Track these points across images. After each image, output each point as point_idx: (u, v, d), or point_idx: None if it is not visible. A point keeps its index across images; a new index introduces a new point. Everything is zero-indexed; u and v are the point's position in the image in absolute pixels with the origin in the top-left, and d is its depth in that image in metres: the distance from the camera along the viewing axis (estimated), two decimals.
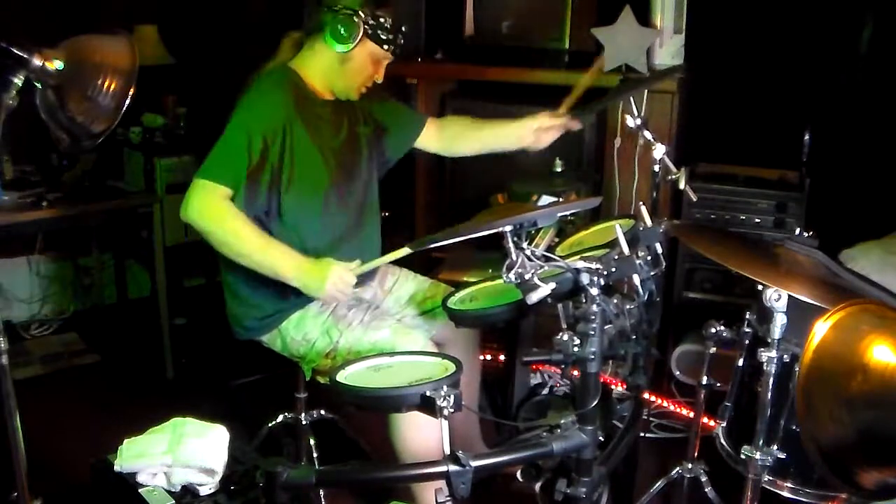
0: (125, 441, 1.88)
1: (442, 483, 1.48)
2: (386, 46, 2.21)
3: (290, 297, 2.21)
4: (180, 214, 2.06)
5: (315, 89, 2.26)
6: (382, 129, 2.47)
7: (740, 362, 1.96)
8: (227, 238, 2.07)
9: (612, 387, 2.11)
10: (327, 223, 2.24)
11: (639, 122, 2.16)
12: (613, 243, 1.70)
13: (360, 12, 2.15)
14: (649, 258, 1.75)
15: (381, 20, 2.18)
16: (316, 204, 2.22)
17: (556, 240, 2.30)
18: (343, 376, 1.73)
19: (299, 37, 2.30)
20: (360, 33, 2.16)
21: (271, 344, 2.31)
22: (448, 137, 2.57)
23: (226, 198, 2.06)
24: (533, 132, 2.46)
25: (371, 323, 2.19)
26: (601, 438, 1.66)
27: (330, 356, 2.18)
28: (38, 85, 1.66)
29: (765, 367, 1.68)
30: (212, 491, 1.83)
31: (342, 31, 2.15)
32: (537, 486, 1.74)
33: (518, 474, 1.88)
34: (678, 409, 3.06)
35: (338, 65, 2.22)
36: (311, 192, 2.21)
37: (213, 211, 2.05)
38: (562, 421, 1.63)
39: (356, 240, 2.30)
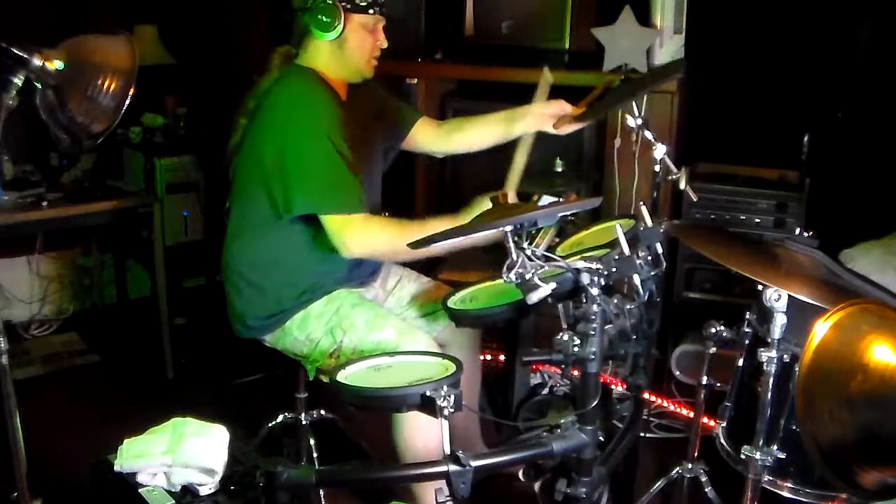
0: (125, 441, 1.89)
1: (442, 483, 1.48)
2: (371, 10, 2.20)
3: (293, 297, 2.21)
4: (344, 254, 2.10)
5: (334, 87, 2.24)
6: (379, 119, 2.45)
7: (740, 362, 1.96)
8: (400, 251, 1.98)
9: (612, 387, 2.11)
10: None
11: (639, 122, 2.16)
12: (614, 243, 1.70)
13: None
14: (649, 258, 1.75)
15: None
16: None
17: (557, 240, 2.29)
18: (343, 376, 1.73)
19: (287, 50, 2.28)
20: (341, 12, 2.15)
21: (274, 344, 2.30)
22: (446, 131, 2.55)
23: (367, 220, 2.11)
24: (548, 117, 2.35)
25: (375, 322, 2.17)
26: (601, 438, 1.66)
27: (334, 356, 2.17)
28: (38, 85, 1.66)
29: (765, 367, 1.68)
30: (212, 491, 1.83)
31: (324, 20, 2.15)
32: (537, 486, 1.74)
33: (520, 474, 1.88)
34: (678, 409, 3.06)
35: (339, 51, 2.21)
36: None
37: (371, 240, 2.10)
38: (562, 421, 1.63)
39: None
